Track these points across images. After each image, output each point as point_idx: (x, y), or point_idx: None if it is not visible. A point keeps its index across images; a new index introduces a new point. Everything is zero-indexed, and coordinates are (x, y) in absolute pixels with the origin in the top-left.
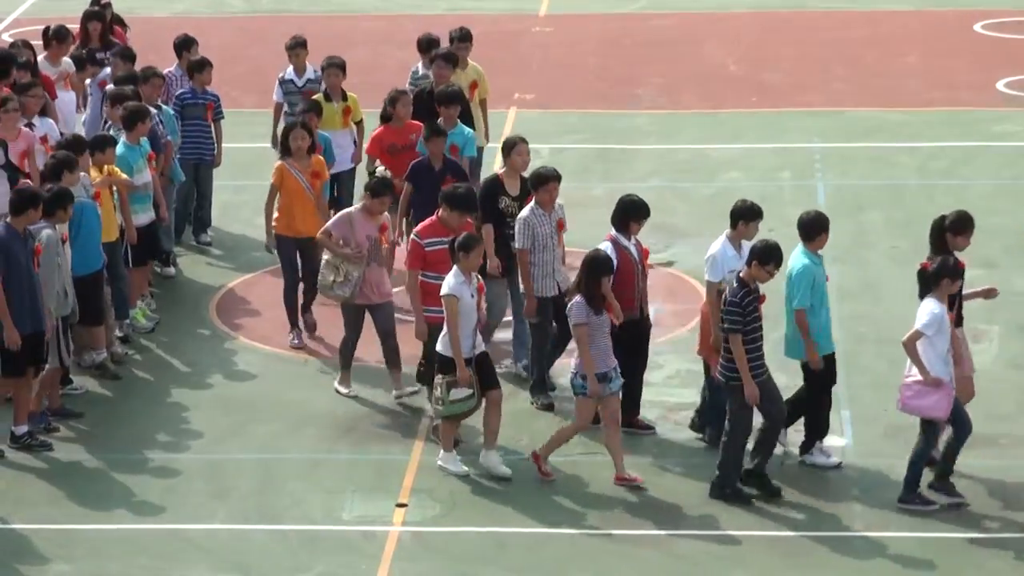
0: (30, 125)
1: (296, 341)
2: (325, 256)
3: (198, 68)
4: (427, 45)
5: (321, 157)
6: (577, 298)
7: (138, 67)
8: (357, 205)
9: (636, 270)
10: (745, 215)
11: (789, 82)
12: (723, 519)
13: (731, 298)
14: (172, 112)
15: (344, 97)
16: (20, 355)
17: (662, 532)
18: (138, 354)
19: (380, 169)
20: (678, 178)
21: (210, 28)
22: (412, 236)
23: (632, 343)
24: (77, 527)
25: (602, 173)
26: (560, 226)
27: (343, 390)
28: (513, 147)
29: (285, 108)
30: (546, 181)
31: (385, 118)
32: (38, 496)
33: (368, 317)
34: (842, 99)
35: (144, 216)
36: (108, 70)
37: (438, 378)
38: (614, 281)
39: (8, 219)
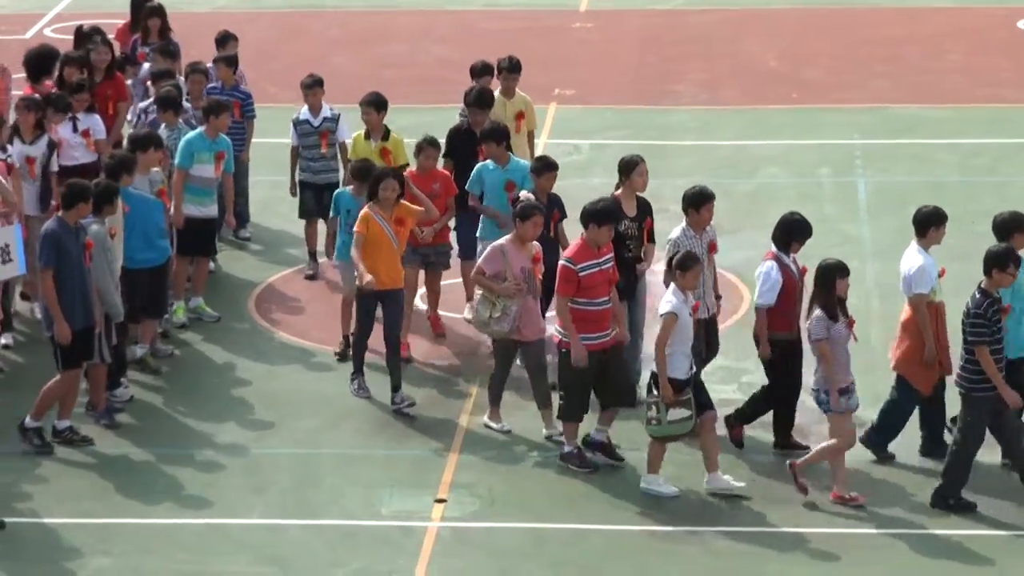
0: (74, 119)
1: (361, 391)
2: (478, 292)
3: (217, 63)
4: (480, 72)
5: (407, 203)
6: (816, 312)
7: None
8: (507, 236)
9: (797, 288)
10: (936, 220)
11: (830, 78)
12: (763, 516)
13: (975, 310)
14: None
15: (385, 136)
16: (74, 349)
17: (702, 528)
18: (177, 349)
19: (524, 194)
20: (718, 174)
21: (248, 23)
22: (564, 262)
23: (786, 365)
24: (117, 521)
25: None
26: (712, 248)
27: (495, 425)
28: (634, 167)
29: (300, 151)
30: (708, 200)
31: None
32: (80, 490)
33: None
34: (883, 96)
35: (196, 208)
36: (147, 66)
37: (652, 395)
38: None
39: (60, 214)
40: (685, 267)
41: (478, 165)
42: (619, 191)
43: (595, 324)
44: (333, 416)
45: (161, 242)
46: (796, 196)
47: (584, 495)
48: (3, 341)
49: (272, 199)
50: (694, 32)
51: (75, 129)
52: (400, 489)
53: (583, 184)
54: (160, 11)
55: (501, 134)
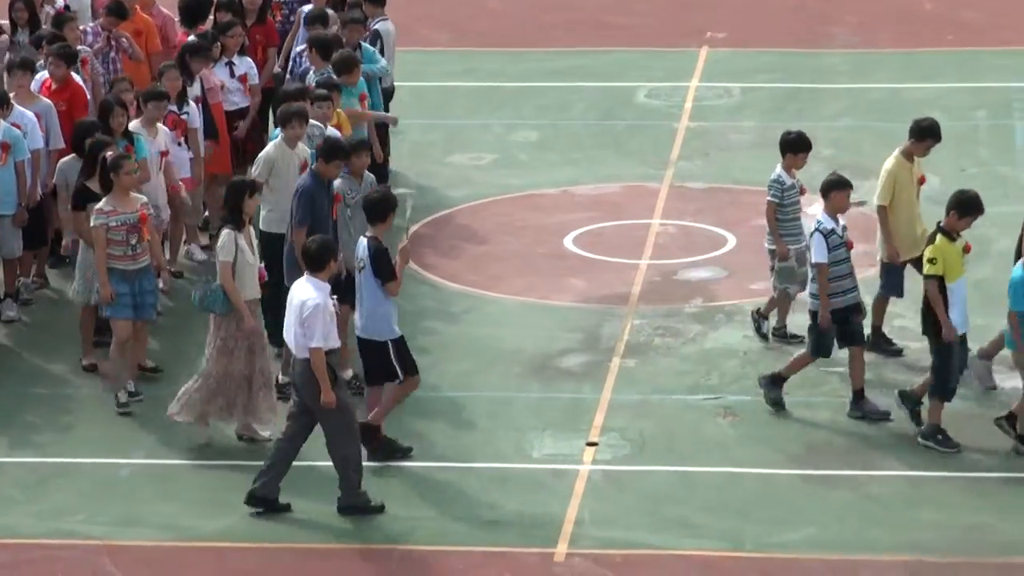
0: (230, 64)
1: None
2: None
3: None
4: None
5: None
6: None
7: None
8: None
9: None
10: None
11: (987, 20)
12: (916, 460)
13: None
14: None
15: None
16: None
17: (855, 472)
18: None
19: None
20: (870, 118)
21: None
22: None
23: None
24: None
25: (794, 113)
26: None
27: None
28: None
29: None
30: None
31: None
32: None
33: None
34: None
35: None
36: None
37: None
38: None
39: (313, 168)
40: None
41: None
42: None
43: None
44: (485, 359)
45: None
46: (952, 139)
47: (735, 439)
48: None
49: (422, 143)
50: None
51: (232, 74)
52: (552, 432)
53: (734, 127)
54: None
55: None
